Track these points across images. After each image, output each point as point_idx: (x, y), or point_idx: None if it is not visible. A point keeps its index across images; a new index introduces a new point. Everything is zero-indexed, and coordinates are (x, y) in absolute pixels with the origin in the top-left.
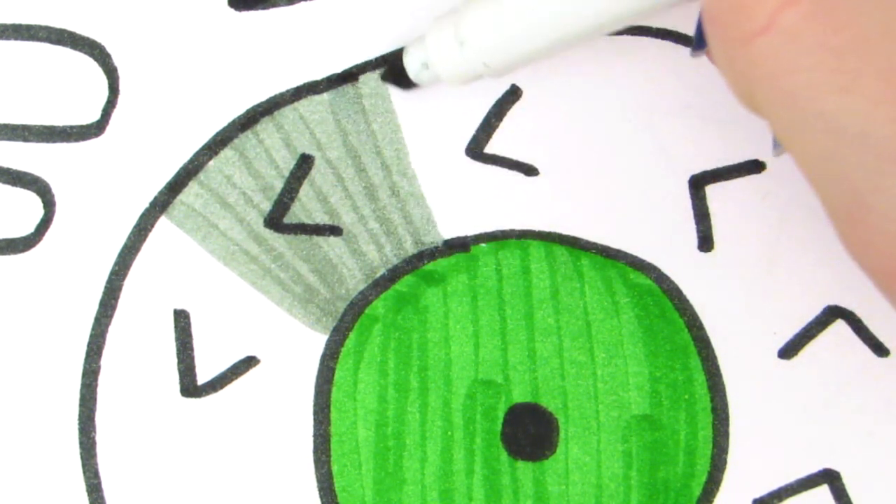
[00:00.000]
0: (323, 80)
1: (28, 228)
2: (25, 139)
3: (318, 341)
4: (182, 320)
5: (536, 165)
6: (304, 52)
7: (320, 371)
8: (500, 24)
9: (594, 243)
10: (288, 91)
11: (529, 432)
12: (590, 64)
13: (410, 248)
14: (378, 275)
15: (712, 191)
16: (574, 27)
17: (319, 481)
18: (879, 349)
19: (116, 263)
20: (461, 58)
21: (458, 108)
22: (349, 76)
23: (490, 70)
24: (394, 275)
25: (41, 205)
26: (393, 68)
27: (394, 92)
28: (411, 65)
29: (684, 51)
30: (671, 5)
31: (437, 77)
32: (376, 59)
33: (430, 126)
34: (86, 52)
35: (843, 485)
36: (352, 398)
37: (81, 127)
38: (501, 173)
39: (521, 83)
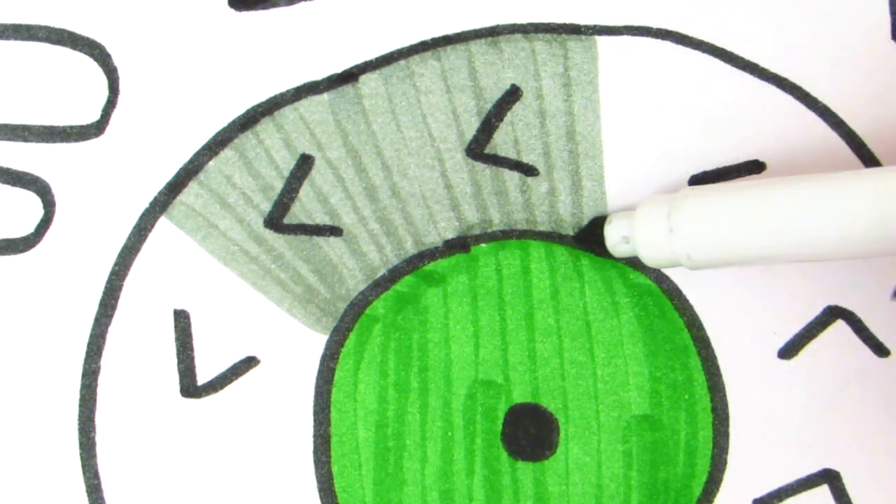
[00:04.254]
0: (323, 80)
1: (28, 228)
2: (25, 139)
3: (318, 342)
4: (182, 320)
5: (536, 165)
6: (304, 52)
7: (320, 371)
8: (718, 226)
9: None
10: (288, 91)
11: (530, 432)
12: (590, 64)
13: (411, 249)
14: (378, 275)
15: None
16: (790, 253)
17: (319, 482)
18: (879, 349)
19: (116, 263)
20: (666, 244)
21: (459, 108)
22: (349, 76)
23: (691, 262)
24: (394, 275)
25: (41, 205)
26: (591, 233)
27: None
28: (612, 235)
29: (684, 51)
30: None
31: (634, 253)
32: (584, 229)
33: (429, 126)
34: (86, 52)
35: (843, 485)
36: (352, 398)
37: (81, 127)
38: (501, 172)
39: (521, 82)
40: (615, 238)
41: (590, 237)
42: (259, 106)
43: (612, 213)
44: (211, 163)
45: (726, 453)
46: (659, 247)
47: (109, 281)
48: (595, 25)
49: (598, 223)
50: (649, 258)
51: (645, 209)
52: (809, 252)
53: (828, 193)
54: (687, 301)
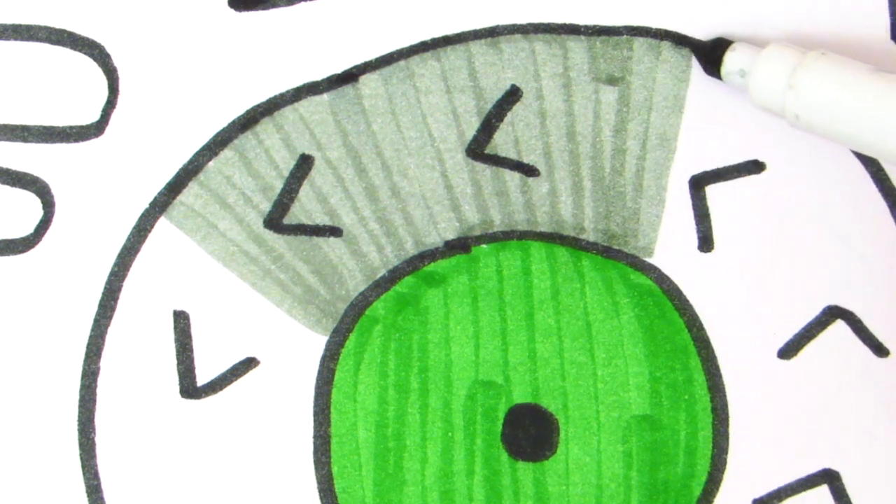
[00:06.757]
0: (323, 81)
1: (28, 229)
2: (25, 139)
3: (318, 342)
4: (181, 321)
5: (537, 165)
6: (304, 52)
7: (320, 372)
8: (837, 103)
9: (595, 244)
10: (288, 91)
11: (530, 433)
12: (589, 63)
13: (411, 249)
14: (378, 276)
15: (712, 191)
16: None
17: (320, 483)
18: (879, 349)
19: (116, 264)
20: (780, 95)
21: (459, 108)
22: (349, 76)
23: (796, 122)
24: (394, 276)
25: (41, 205)
26: (712, 52)
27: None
28: (730, 63)
29: (684, 51)
30: None
31: (744, 89)
32: (706, 45)
33: (429, 126)
34: (86, 52)
35: (842, 485)
36: (352, 399)
37: (81, 127)
38: (501, 173)
39: (521, 83)
40: (733, 67)
41: (709, 55)
42: (259, 106)
43: (737, 42)
44: (211, 163)
45: (726, 453)
46: (772, 95)
47: (109, 282)
48: (595, 25)
49: (722, 45)
50: (758, 100)
51: (772, 52)
52: None
53: None
54: (687, 301)
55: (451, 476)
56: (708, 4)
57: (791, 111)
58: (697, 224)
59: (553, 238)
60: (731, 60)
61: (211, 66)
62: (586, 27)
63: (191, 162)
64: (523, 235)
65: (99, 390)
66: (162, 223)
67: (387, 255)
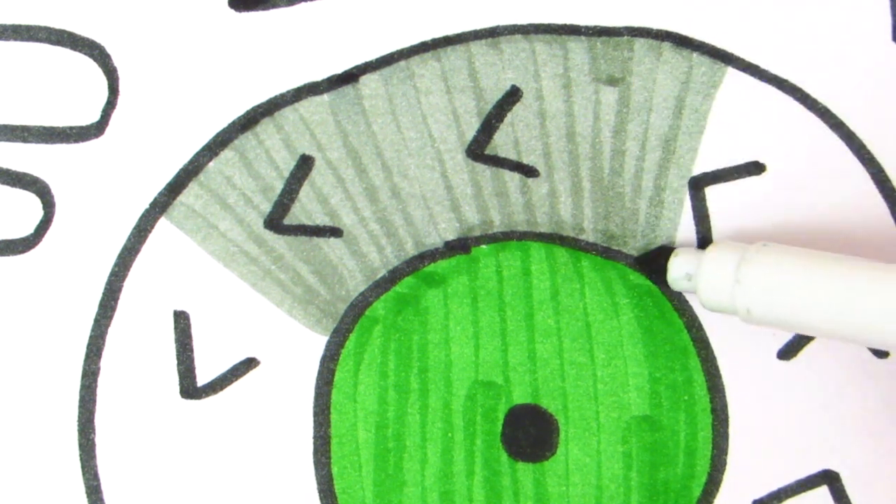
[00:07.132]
0: (323, 81)
1: (28, 229)
2: (25, 140)
3: (318, 343)
4: (182, 321)
5: (536, 166)
6: (304, 52)
7: (320, 372)
8: (786, 292)
9: (594, 244)
10: (288, 92)
11: (530, 433)
12: (590, 64)
13: (411, 250)
14: (378, 276)
15: (712, 192)
16: (853, 335)
17: (319, 483)
18: (878, 350)
19: (116, 264)
20: (729, 293)
21: (459, 108)
22: (349, 77)
23: (749, 317)
24: (394, 276)
25: (41, 206)
26: (655, 261)
27: None
28: (675, 269)
29: (684, 52)
30: None
31: (693, 291)
32: (648, 255)
33: (429, 127)
34: (86, 53)
35: (842, 486)
36: (352, 400)
37: (81, 127)
38: (501, 173)
39: (521, 83)
40: (678, 273)
41: (652, 264)
42: (259, 106)
43: (679, 248)
44: (211, 163)
45: (726, 454)
46: (720, 294)
47: (109, 282)
48: (595, 26)
49: (664, 253)
50: (708, 301)
51: (715, 253)
52: (877, 340)
53: None
54: (686, 302)
55: (451, 476)
56: (708, 4)
57: (742, 306)
58: (697, 225)
59: (553, 239)
60: (676, 267)
61: (211, 66)
62: (587, 28)
63: (191, 162)
64: (523, 236)
65: (99, 390)
66: (162, 223)
67: (387, 256)
